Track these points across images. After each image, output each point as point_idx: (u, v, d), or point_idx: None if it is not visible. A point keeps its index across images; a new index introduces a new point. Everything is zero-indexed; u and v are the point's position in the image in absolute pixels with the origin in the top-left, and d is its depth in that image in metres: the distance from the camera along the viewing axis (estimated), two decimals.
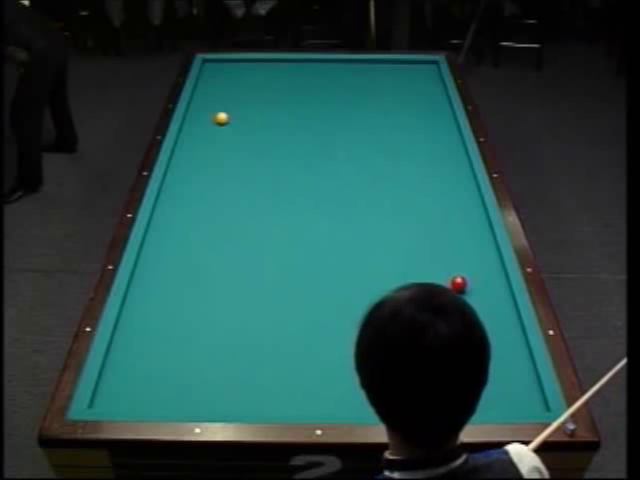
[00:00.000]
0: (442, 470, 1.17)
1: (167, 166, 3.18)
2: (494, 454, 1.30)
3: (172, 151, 3.29)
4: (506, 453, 1.30)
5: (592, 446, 2.00)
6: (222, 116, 3.52)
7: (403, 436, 1.19)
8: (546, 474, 1.33)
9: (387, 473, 1.22)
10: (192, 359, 2.28)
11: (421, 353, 1.11)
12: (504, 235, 2.75)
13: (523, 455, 1.31)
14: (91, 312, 2.41)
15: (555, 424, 1.69)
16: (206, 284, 2.60)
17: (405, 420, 1.16)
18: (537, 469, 1.31)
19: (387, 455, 1.23)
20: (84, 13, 6.35)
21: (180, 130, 3.45)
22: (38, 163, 4.63)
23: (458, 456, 1.20)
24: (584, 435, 1.99)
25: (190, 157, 3.29)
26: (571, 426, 1.98)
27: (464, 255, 2.70)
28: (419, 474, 1.17)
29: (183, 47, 5.44)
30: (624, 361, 1.74)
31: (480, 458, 1.25)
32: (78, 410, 2.06)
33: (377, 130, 3.53)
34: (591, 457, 2.03)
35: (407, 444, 1.19)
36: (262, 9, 6.28)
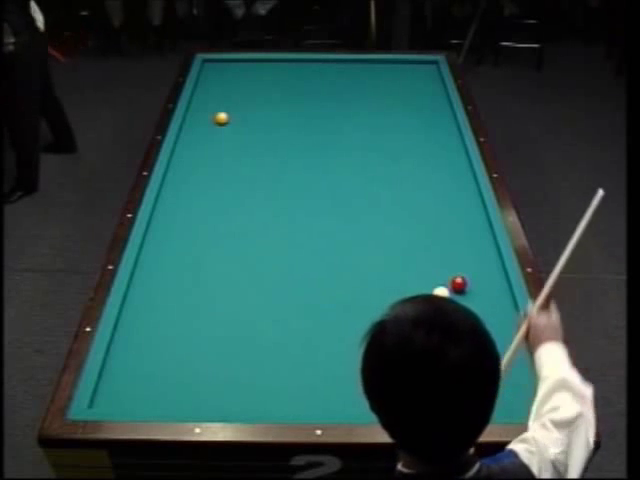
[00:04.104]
0: None
1: (167, 166, 3.19)
2: (505, 458, 1.30)
3: (172, 151, 3.29)
4: (516, 456, 1.31)
5: None
6: (222, 116, 3.52)
7: (417, 455, 1.19)
8: (559, 463, 1.34)
9: None
10: (192, 359, 2.28)
11: (433, 379, 1.10)
12: (504, 235, 2.75)
13: (532, 454, 1.33)
14: (91, 312, 2.41)
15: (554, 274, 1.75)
16: (206, 284, 2.60)
17: (419, 441, 1.17)
18: (550, 462, 1.33)
19: (400, 468, 1.23)
20: (84, 13, 6.35)
21: (180, 130, 3.45)
22: (36, 166, 4.62)
23: (471, 466, 1.20)
24: None
25: (190, 157, 3.29)
26: None
27: (464, 255, 2.70)
28: None
29: (183, 47, 5.44)
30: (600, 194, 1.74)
31: (493, 465, 1.26)
32: (78, 410, 2.06)
33: (377, 130, 3.53)
34: (591, 457, 2.03)
35: (421, 461, 1.19)
36: (262, 9, 6.28)
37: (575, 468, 1.37)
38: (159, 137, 3.37)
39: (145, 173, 3.12)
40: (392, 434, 1.19)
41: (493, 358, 1.16)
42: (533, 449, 1.35)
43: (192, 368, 2.25)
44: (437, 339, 1.10)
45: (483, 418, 1.16)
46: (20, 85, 4.31)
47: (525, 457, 1.32)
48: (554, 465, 1.35)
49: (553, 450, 1.35)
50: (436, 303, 1.20)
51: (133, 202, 2.94)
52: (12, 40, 4.15)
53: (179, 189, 3.08)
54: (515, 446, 1.36)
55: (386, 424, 1.18)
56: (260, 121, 3.59)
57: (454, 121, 3.53)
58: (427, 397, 1.11)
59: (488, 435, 1.27)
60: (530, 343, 1.69)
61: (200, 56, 4.11)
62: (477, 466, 1.21)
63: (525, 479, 1.29)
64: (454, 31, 6.18)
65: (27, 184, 4.62)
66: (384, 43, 5.90)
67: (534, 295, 2.47)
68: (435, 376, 1.10)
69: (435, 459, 1.18)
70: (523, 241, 2.75)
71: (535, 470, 1.31)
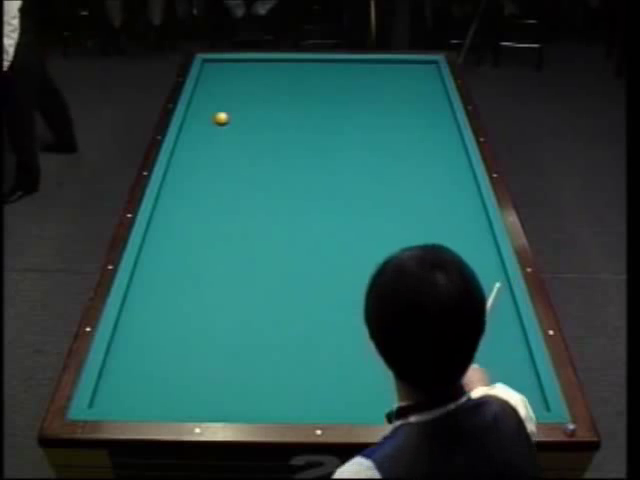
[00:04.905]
0: (452, 406, 1.26)
1: (167, 166, 3.19)
2: (484, 398, 1.37)
3: (172, 151, 3.29)
4: (497, 399, 1.38)
5: (592, 446, 2.00)
6: (222, 116, 3.52)
7: (411, 384, 1.28)
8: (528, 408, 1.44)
9: (400, 422, 1.29)
10: (192, 359, 2.28)
11: (424, 305, 1.19)
12: (504, 235, 2.75)
13: (510, 395, 1.42)
14: (91, 312, 2.41)
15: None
16: (206, 284, 2.60)
17: (412, 367, 1.25)
18: (522, 401, 1.43)
19: (399, 404, 1.30)
20: (84, 13, 6.35)
21: (180, 130, 3.45)
22: (36, 167, 4.62)
23: (462, 395, 1.29)
24: (584, 435, 1.99)
25: (190, 157, 3.29)
26: (571, 426, 1.98)
27: (464, 255, 2.69)
28: (432, 414, 1.26)
29: (183, 47, 5.44)
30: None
31: (476, 399, 1.35)
32: (78, 410, 2.06)
33: (377, 130, 3.52)
34: (591, 457, 2.03)
35: (416, 390, 1.27)
36: (262, 9, 6.28)
37: None
38: (159, 137, 3.37)
39: (145, 173, 3.12)
40: (389, 363, 1.26)
41: (479, 291, 1.26)
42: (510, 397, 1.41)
43: (192, 368, 2.25)
44: (428, 268, 1.23)
45: (469, 350, 1.25)
46: (19, 85, 4.30)
47: (504, 396, 1.39)
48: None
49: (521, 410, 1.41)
50: (432, 247, 1.34)
51: (133, 202, 2.94)
52: (17, 40, 4.15)
53: (179, 189, 3.08)
54: (491, 391, 1.43)
55: (383, 352, 1.26)
56: (260, 121, 3.58)
57: (454, 121, 3.53)
58: (417, 321, 1.20)
59: None
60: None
61: (200, 56, 4.11)
62: (466, 396, 1.30)
63: (512, 413, 1.35)
64: (454, 31, 6.18)
65: (27, 184, 4.62)
66: (384, 43, 5.90)
67: (534, 295, 2.48)
68: (426, 302, 1.19)
69: (426, 386, 1.26)
70: (523, 241, 2.75)
71: (512, 402, 1.38)
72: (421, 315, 1.19)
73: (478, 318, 1.24)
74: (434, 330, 1.19)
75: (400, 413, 1.29)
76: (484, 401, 1.34)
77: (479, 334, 1.25)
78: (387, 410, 1.34)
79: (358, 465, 1.24)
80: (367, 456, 1.24)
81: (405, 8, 6.15)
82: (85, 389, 2.13)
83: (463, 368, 1.27)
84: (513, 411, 1.36)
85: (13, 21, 4.05)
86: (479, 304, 1.25)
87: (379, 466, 1.22)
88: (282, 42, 6.23)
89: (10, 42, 4.07)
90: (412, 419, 1.27)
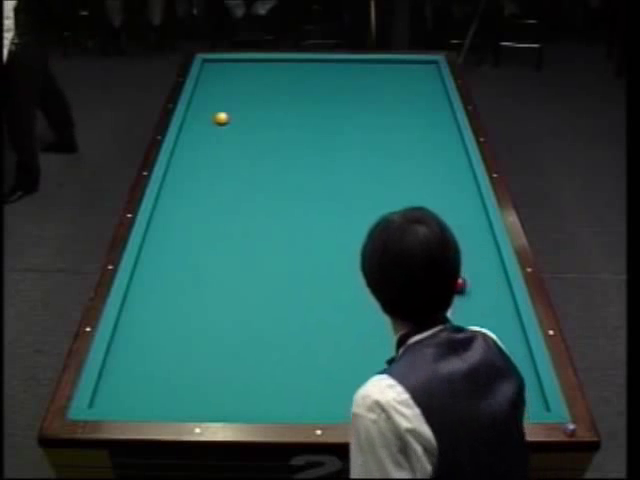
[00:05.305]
0: (440, 327, 1.50)
1: (167, 166, 3.19)
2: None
3: (172, 151, 3.29)
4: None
5: (592, 446, 2.00)
6: (222, 116, 3.52)
7: (406, 319, 1.50)
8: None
9: (402, 349, 1.50)
10: (192, 359, 2.28)
11: (408, 249, 1.43)
12: (504, 235, 2.75)
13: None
14: (91, 312, 2.41)
15: None
16: (206, 284, 2.60)
17: (403, 304, 1.48)
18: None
19: (399, 334, 1.51)
20: (84, 13, 6.35)
21: (180, 130, 3.46)
22: (36, 167, 4.62)
23: (447, 321, 1.52)
24: (584, 435, 1.99)
25: (190, 157, 3.30)
26: (571, 426, 1.98)
27: (464, 255, 2.68)
28: (427, 333, 1.49)
29: (183, 47, 5.44)
30: None
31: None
32: (78, 410, 2.06)
33: (377, 130, 3.52)
34: (591, 457, 2.03)
35: (410, 322, 1.50)
36: (262, 9, 6.28)
37: None
38: (159, 137, 3.37)
39: (145, 173, 3.12)
40: (384, 306, 1.51)
41: (455, 243, 1.50)
42: None
43: (192, 368, 2.25)
44: (411, 222, 1.47)
45: (449, 288, 1.49)
46: (19, 85, 4.30)
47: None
48: None
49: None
50: (416, 207, 1.57)
51: (133, 202, 2.94)
52: (16, 41, 4.15)
53: (179, 189, 3.08)
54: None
55: (378, 296, 1.51)
56: (260, 121, 3.59)
57: (454, 121, 3.53)
58: (404, 265, 1.43)
59: None
60: None
61: (200, 56, 4.12)
62: (450, 322, 1.51)
63: (486, 334, 1.57)
64: (454, 31, 6.18)
65: (27, 184, 4.62)
66: (384, 43, 5.90)
67: (534, 295, 2.48)
68: (409, 247, 1.43)
69: (420, 315, 1.49)
70: (523, 241, 2.75)
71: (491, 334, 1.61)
72: (405, 258, 1.43)
73: (454, 264, 1.49)
74: (418, 271, 1.42)
75: (400, 341, 1.51)
76: (462, 327, 1.55)
77: (456, 277, 1.50)
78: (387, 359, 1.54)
79: (376, 380, 1.43)
80: (380, 373, 1.45)
81: (405, 8, 6.16)
82: (85, 389, 2.13)
83: (446, 302, 1.51)
84: (486, 334, 1.58)
85: (6, 21, 4.05)
86: (455, 252, 1.49)
87: (393, 375, 1.42)
88: (282, 42, 6.23)
89: (4, 42, 4.07)
90: (411, 341, 1.49)
